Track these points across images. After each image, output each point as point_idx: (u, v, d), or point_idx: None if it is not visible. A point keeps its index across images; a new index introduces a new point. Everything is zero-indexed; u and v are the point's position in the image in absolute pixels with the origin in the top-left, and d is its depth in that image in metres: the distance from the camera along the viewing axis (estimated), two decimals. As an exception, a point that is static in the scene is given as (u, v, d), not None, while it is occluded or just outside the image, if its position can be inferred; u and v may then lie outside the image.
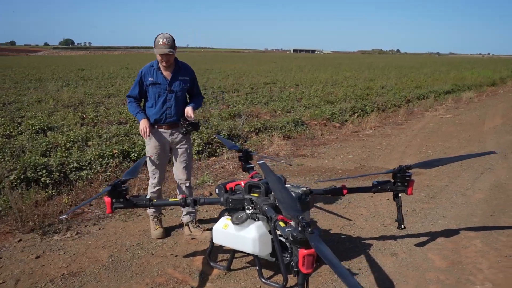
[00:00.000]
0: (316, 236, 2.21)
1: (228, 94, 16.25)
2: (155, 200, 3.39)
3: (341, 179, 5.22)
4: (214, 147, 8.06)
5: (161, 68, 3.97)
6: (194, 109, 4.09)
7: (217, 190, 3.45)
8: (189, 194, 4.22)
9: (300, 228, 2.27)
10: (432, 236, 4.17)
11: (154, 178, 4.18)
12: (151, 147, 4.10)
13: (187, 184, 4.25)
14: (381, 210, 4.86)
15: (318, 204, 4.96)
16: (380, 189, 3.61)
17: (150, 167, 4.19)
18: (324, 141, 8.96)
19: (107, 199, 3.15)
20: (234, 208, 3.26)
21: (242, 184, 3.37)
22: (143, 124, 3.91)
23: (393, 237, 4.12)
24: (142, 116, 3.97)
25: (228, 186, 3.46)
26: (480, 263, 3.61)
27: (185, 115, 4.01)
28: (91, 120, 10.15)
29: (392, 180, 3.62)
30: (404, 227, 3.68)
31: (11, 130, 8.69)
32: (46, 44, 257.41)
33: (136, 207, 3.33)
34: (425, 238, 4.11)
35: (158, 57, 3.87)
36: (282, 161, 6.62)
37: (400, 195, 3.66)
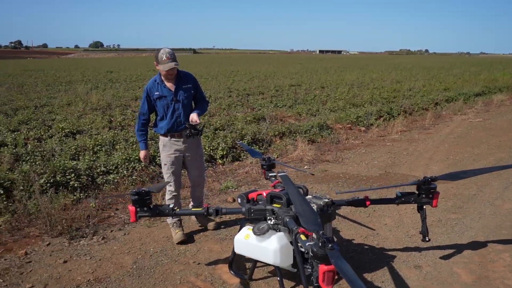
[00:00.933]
0: (337, 252, 2.20)
1: (253, 97, 16.30)
2: (178, 209, 3.44)
3: (363, 190, 5.12)
4: (238, 151, 8.10)
5: (164, 80, 4.15)
6: (199, 114, 4.24)
7: (239, 200, 3.47)
8: (200, 198, 4.64)
9: (320, 244, 2.26)
10: (458, 248, 4.07)
11: (171, 185, 4.35)
12: (165, 156, 4.30)
13: (201, 188, 4.63)
14: (406, 219, 4.78)
15: (341, 213, 4.92)
16: (404, 201, 3.55)
17: (165, 174, 4.38)
18: (349, 145, 8.87)
19: (131, 208, 3.22)
20: (256, 218, 3.27)
21: (264, 194, 3.38)
22: (143, 155, 4.44)
23: (418, 249, 4.05)
24: (143, 146, 4.40)
25: (250, 195, 3.47)
26: (508, 279, 3.50)
27: (190, 120, 4.16)
28: (118, 123, 10.36)
29: (417, 192, 3.55)
30: (429, 240, 3.61)
31: (42, 134, 8.96)
32: (76, 46, 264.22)
33: (160, 215, 3.39)
34: (450, 251, 4.02)
35: (163, 72, 4.05)
36: (306, 170, 6.60)
37: (424, 207, 3.59)
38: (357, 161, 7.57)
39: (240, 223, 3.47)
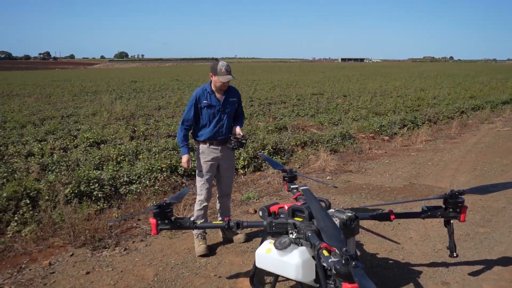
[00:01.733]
0: (361, 270, 2.13)
1: (275, 106, 16.29)
2: (199, 222, 3.43)
3: (387, 205, 5.00)
4: (260, 161, 8.06)
5: (214, 91, 4.30)
6: (240, 128, 4.43)
7: (260, 213, 3.43)
8: (229, 208, 4.75)
9: (344, 261, 2.20)
10: (488, 264, 3.93)
11: (201, 194, 4.41)
12: (202, 162, 4.38)
13: (229, 197, 4.73)
14: (432, 233, 4.64)
15: (365, 225, 4.81)
16: (430, 215, 3.44)
17: (198, 183, 4.44)
18: (372, 155, 8.74)
19: (152, 221, 3.22)
20: (278, 232, 3.23)
21: (286, 207, 3.33)
22: (185, 159, 4.37)
23: (445, 264, 3.92)
24: (185, 151, 4.38)
25: (272, 208, 3.43)
26: (541, 297, 3.35)
27: (235, 133, 4.34)
28: (141, 133, 10.48)
29: (443, 206, 3.44)
30: (457, 255, 3.49)
31: (68, 143, 9.14)
32: (102, 57, 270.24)
33: (181, 228, 3.38)
34: (479, 267, 3.88)
35: (219, 83, 4.21)
36: (328, 183, 6.51)
37: (452, 221, 3.47)
38: (380, 171, 7.44)
39: (262, 236, 3.42)
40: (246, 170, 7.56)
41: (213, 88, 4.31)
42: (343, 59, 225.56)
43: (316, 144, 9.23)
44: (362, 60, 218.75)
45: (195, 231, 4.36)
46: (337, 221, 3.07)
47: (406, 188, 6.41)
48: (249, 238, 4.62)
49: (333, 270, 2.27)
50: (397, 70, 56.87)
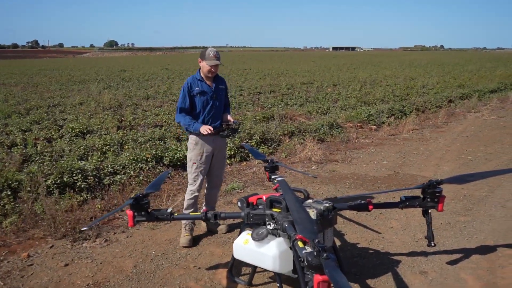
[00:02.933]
0: (332, 262, 2.13)
1: (264, 95, 16.23)
2: (176, 214, 3.40)
3: (365, 195, 5.00)
4: (246, 151, 8.04)
5: (205, 78, 4.29)
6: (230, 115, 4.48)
7: (239, 204, 3.41)
8: (216, 199, 4.74)
9: (315, 253, 2.20)
10: (466, 253, 3.96)
11: (195, 184, 4.39)
12: (196, 154, 4.34)
13: (219, 189, 4.75)
14: (413, 223, 4.67)
15: (347, 215, 4.83)
16: (408, 205, 3.45)
17: (192, 174, 4.40)
18: (358, 145, 8.75)
19: (129, 212, 3.19)
20: (255, 223, 3.22)
21: (264, 198, 3.32)
22: (205, 127, 4.14)
23: (424, 253, 3.94)
24: (199, 124, 4.21)
25: (251, 199, 3.41)
26: (517, 285, 3.38)
27: (227, 120, 4.39)
28: (128, 123, 10.38)
29: (422, 196, 3.45)
30: (434, 245, 3.51)
31: (53, 134, 9.02)
32: (91, 45, 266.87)
33: (158, 220, 3.35)
34: (458, 256, 3.90)
35: (207, 68, 4.21)
36: (309, 173, 6.50)
37: (430, 211, 3.48)
38: (366, 161, 7.46)
39: (240, 227, 3.41)
40: (232, 160, 7.53)
41: (202, 75, 4.30)
42: (334, 48, 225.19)
43: (304, 134, 9.22)
44: (353, 49, 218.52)
45: (183, 221, 4.34)
46: (314, 212, 3.07)
47: (390, 178, 6.43)
48: (231, 228, 4.61)
49: (305, 262, 2.26)
50: (388, 59, 56.86)
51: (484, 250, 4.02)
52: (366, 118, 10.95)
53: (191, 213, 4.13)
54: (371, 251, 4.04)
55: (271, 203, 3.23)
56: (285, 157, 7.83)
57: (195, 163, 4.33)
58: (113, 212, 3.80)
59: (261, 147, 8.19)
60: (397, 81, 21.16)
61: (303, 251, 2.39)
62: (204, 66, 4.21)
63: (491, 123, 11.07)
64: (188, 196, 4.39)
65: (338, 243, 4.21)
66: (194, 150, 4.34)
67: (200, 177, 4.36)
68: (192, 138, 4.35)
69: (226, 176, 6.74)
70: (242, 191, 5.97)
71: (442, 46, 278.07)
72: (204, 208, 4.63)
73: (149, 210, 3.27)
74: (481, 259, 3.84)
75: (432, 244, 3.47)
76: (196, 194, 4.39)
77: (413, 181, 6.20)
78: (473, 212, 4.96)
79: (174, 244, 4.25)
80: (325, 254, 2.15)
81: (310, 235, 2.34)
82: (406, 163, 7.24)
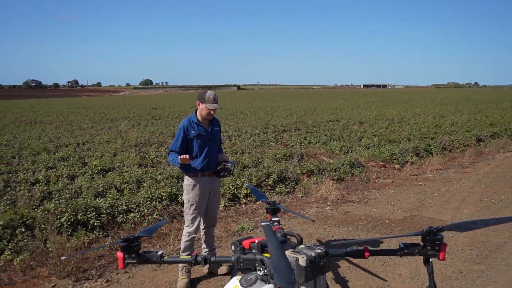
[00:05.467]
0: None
1: (289, 133, 16.27)
2: (167, 257, 3.34)
3: (361, 242, 4.79)
4: (263, 190, 8.01)
5: (201, 121, 4.33)
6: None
7: (232, 247, 3.32)
8: (213, 237, 4.73)
9: (290, 304, 2.11)
10: (477, 305, 3.72)
11: (192, 226, 4.37)
12: (194, 195, 4.33)
13: (214, 227, 4.70)
14: (423, 270, 4.45)
15: (354, 260, 4.66)
16: (407, 252, 3.25)
17: (189, 215, 4.39)
18: (378, 185, 8.55)
19: (119, 254, 3.16)
20: (246, 268, 3.14)
21: (256, 242, 3.25)
22: (182, 157, 4.08)
23: (430, 304, 3.72)
24: (177, 158, 4.14)
25: (244, 243, 3.35)
26: None
27: (222, 161, 4.43)
28: (150, 161, 10.57)
29: (422, 243, 3.29)
30: (437, 296, 3.30)
31: (76, 171, 9.28)
32: (127, 84, 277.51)
33: (148, 263, 3.30)
34: (467, 308, 3.68)
35: (206, 111, 4.24)
36: (307, 217, 6.36)
37: (431, 260, 3.30)
38: (383, 202, 7.25)
39: (232, 272, 3.33)
40: (247, 199, 7.49)
41: (199, 118, 4.32)
42: (365, 85, 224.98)
43: (323, 173, 9.12)
44: (384, 86, 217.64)
45: (180, 264, 4.30)
46: (303, 259, 2.96)
47: (406, 220, 6.21)
48: (232, 269, 4.51)
49: (280, 313, 2.18)
50: (419, 96, 56.25)
51: (497, 302, 3.77)
52: (390, 157, 10.74)
53: (181, 257, 4.08)
54: (374, 300, 3.86)
55: (262, 247, 3.16)
56: (301, 196, 7.73)
57: (193, 205, 4.32)
58: (99, 248, 3.78)
59: (278, 186, 8.14)
60: (426, 119, 20.80)
61: (284, 301, 2.31)
62: (203, 109, 4.23)
63: (520, 163, 10.63)
64: (185, 238, 4.36)
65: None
66: (192, 192, 4.33)
67: (198, 218, 4.36)
68: (189, 180, 4.35)
69: (240, 215, 6.71)
70: (251, 231, 5.90)
71: (476, 83, 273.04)
72: (204, 247, 4.60)
73: (140, 252, 3.25)
74: (492, 313, 3.59)
75: (435, 296, 3.27)
76: (194, 235, 4.37)
77: (430, 224, 5.95)
78: (489, 260, 4.69)
79: (173, 286, 4.21)
80: (298, 307, 2.06)
81: (286, 284, 2.26)
82: (425, 205, 6.99)
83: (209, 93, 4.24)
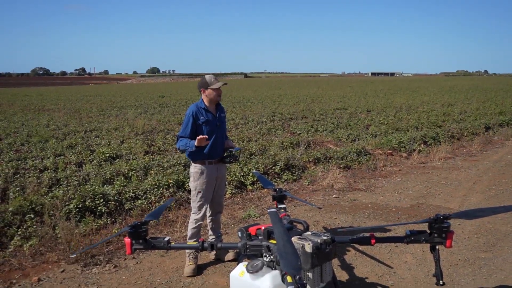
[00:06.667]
0: (309, 300, 2.05)
1: (296, 121, 16.22)
2: (174, 243, 3.39)
3: (367, 229, 4.80)
4: (270, 178, 8.01)
5: (209, 107, 4.33)
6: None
7: (239, 234, 3.36)
8: (220, 225, 4.73)
9: (295, 290, 2.13)
10: (482, 293, 3.72)
11: (199, 213, 4.38)
12: (201, 182, 4.34)
13: (220, 214, 4.69)
14: (429, 257, 4.39)
15: (361, 247, 4.67)
16: (413, 240, 3.27)
17: (196, 202, 4.40)
18: (385, 173, 8.52)
19: (127, 240, 3.20)
20: (253, 254, 3.16)
21: (263, 228, 3.27)
22: (200, 138, 4.05)
23: (436, 292, 3.72)
24: (193, 141, 4.14)
25: (250, 229, 3.36)
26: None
27: (228, 147, 4.42)
28: (157, 148, 10.61)
29: (428, 231, 3.28)
30: (443, 283, 3.29)
31: (84, 158, 9.34)
32: (134, 72, 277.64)
33: (155, 249, 3.35)
34: (473, 295, 3.67)
35: (214, 93, 4.25)
36: (313, 204, 6.36)
37: (437, 247, 3.30)
38: (390, 190, 7.23)
39: (238, 258, 3.36)
40: (254, 186, 7.51)
41: (207, 104, 4.32)
42: (373, 73, 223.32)
43: (330, 160, 9.10)
44: (392, 74, 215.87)
45: (187, 250, 4.34)
46: (310, 245, 2.98)
47: (413, 208, 6.19)
48: (238, 256, 4.55)
49: (285, 299, 2.20)
50: (427, 85, 55.69)
51: (503, 290, 3.76)
52: (397, 145, 10.69)
53: (188, 243, 4.12)
54: (380, 287, 3.86)
55: (269, 234, 3.17)
56: (308, 184, 7.73)
57: (200, 192, 4.33)
58: (108, 239, 3.80)
59: (285, 174, 8.14)
60: (434, 107, 20.62)
61: (288, 287, 2.33)
62: (211, 93, 4.24)
63: (530, 151, 10.53)
64: (192, 225, 4.39)
65: (346, 277, 4.06)
66: (199, 179, 4.33)
67: (205, 205, 4.38)
68: (197, 167, 4.35)
69: (246, 203, 6.73)
70: (258, 218, 5.92)
71: (486, 71, 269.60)
72: (211, 234, 4.63)
73: (147, 237, 3.28)
74: (499, 300, 3.59)
75: (441, 283, 3.26)
76: (200, 222, 4.39)
77: (437, 213, 5.93)
78: (496, 248, 4.67)
79: (180, 272, 4.24)
80: (303, 292, 2.07)
81: (292, 270, 2.27)
82: (432, 193, 6.96)
83: (208, 76, 4.28)
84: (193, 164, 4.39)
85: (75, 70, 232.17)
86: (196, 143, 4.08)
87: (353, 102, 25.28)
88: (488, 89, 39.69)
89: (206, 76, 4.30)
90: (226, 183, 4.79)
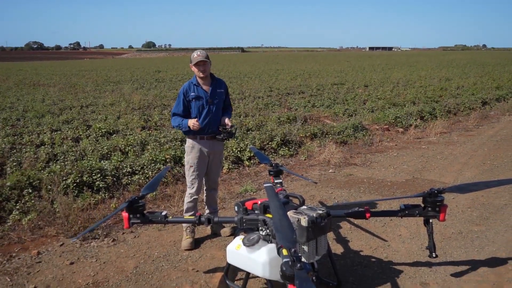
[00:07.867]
0: (304, 273, 2.09)
1: (293, 96, 16.16)
2: (171, 217, 3.43)
3: (364, 202, 4.85)
4: (266, 153, 8.04)
5: (200, 83, 4.32)
6: (229, 119, 4.44)
7: (235, 208, 3.41)
8: (216, 200, 4.71)
9: (290, 263, 2.17)
10: (474, 265, 3.78)
11: (193, 188, 4.42)
12: (192, 157, 4.38)
13: (216, 191, 4.69)
14: (423, 231, 4.47)
15: (356, 221, 4.73)
16: (407, 214, 3.34)
17: (189, 177, 4.44)
18: (381, 148, 8.56)
19: (124, 215, 3.24)
20: (249, 228, 3.21)
21: (259, 203, 3.30)
22: (192, 121, 4.19)
23: (428, 264, 3.80)
24: (186, 120, 4.27)
25: (247, 204, 3.40)
26: (525, 301, 3.22)
27: (224, 124, 4.36)
28: (154, 124, 10.59)
29: (422, 205, 3.33)
30: (436, 256, 3.36)
31: (81, 133, 9.32)
32: (130, 46, 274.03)
33: (152, 223, 3.40)
34: (465, 267, 3.74)
35: (195, 69, 4.23)
36: (310, 179, 6.39)
37: (431, 220, 3.35)
38: (385, 165, 7.28)
39: (235, 232, 3.41)
40: (251, 162, 7.53)
41: (198, 80, 4.32)
42: (371, 48, 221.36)
43: (327, 136, 9.12)
44: (390, 48, 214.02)
45: (184, 224, 4.39)
46: (305, 219, 3.02)
47: (408, 183, 6.25)
48: (235, 231, 4.61)
49: (280, 272, 2.24)
50: (425, 59, 55.29)
51: (494, 262, 3.83)
52: (394, 121, 10.70)
53: (185, 217, 4.16)
54: (374, 260, 3.94)
55: (265, 208, 3.21)
56: (304, 159, 7.76)
57: (192, 166, 4.37)
58: (107, 218, 3.84)
59: (281, 149, 8.17)
60: (431, 82, 20.54)
61: (284, 260, 2.37)
62: (194, 69, 4.25)
63: (525, 126, 10.57)
64: (187, 199, 4.42)
65: (341, 250, 4.14)
66: (191, 154, 4.37)
67: (198, 180, 4.39)
68: (189, 142, 4.39)
69: (243, 178, 6.76)
70: (255, 193, 5.97)
71: (484, 46, 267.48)
72: (206, 209, 4.68)
73: (145, 212, 3.32)
74: (489, 272, 3.66)
75: (434, 256, 3.34)
76: (195, 197, 4.41)
77: (431, 187, 6.00)
78: (488, 222, 4.75)
79: (178, 246, 4.30)
80: (298, 265, 2.12)
81: (288, 244, 2.31)
82: (427, 168, 7.02)
83: (194, 53, 4.27)
84: (187, 138, 4.44)
85: (70, 44, 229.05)
86: (189, 123, 4.16)
87: (351, 77, 25.14)
88: (485, 64, 39.48)
89: (195, 52, 4.29)
90: (223, 159, 4.73)
